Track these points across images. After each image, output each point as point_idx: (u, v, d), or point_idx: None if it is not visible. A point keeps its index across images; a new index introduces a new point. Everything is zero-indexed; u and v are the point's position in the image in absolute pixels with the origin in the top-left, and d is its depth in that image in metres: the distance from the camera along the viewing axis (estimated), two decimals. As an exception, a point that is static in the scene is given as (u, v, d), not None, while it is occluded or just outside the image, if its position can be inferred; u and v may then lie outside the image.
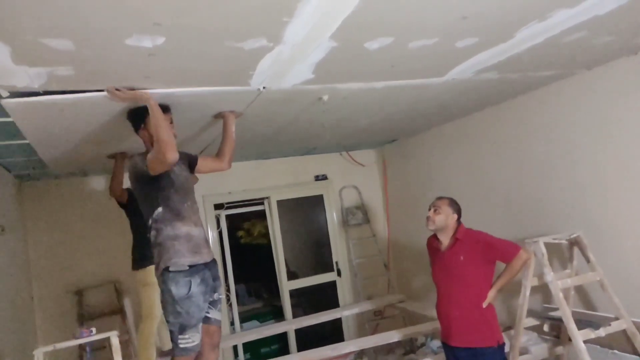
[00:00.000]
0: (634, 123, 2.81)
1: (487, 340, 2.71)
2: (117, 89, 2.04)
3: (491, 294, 2.75)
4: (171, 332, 2.41)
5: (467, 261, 2.75)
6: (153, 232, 2.40)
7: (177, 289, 2.33)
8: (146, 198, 2.44)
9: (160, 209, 2.38)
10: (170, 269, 2.34)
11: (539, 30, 2.11)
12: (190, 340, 2.38)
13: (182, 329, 2.36)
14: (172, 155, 2.18)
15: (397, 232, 5.59)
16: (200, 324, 2.45)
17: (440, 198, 2.93)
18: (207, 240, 2.56)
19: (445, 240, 2.88)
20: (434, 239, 2.97)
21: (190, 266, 2.38)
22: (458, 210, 2.88)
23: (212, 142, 3.42)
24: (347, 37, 1.85)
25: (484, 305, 2.73)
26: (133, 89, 2.08)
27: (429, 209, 2.90)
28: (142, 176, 2.35)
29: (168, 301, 2.36)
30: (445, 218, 2.84)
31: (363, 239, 5.57)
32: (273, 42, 1.79)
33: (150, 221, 2.41)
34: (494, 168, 3.95)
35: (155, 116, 2.14)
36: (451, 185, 4.49)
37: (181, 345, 2.37)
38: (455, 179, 4.44)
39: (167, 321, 2.40)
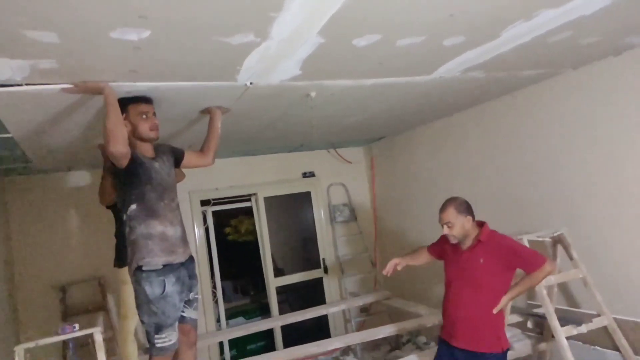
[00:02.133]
0: (618, 122, 2.84)
1: (492, 346, 2.61)
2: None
3: (504, 300, 2.62)
4: (147, 332, 2.36)
5: (487, 265, 2.60)
6: (127, 229, 2.34)
7: (152, 289, 2.27)
8: (121, 193, 2.38)
9: (134, 206, 2.31)
10: (144, 268, 2.28)
11: (524, 30, 2.12)
12: (167, 339, 2.34)
13: (159, 329, 2.32)
14: (115, 147, 2.09)
15: (384, 229, 5.61)
16: (177, 323, 2.41)
17: (442, 210, 2.71)
18: (183, 239, 2.48)
19: (467, 241, 2.72)
20: None
21: (165, 265, 2.32)
22: (467, 210, 2.70)
23: (198, 137, 3.39)
24: (334, 33, 1.85)
25: (495, 311, 2.61)
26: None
27: (442, 226, 2.71)
28: (116, 170, 2.29)
29: (142, 301, 2.30)
30: (461, 227, 2.66)
31: (350, 236, 5.59)
32: (260, 37, 1.79)
33: (125, 217, 2.34)
34: (479, 166, 3.98)
35: (107, 105, 2.05)
36: (437, 183, 4.52)
37: (158, 345, 2.33)
38: (441, 177, 4.47)
39: (142, 321, 2.35)
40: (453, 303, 2.75)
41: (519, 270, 2.68)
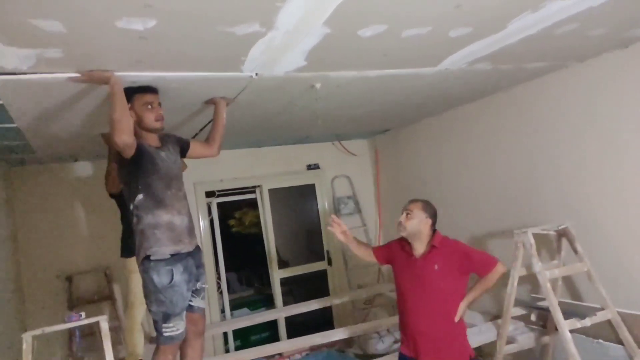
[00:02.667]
0: (623, 116, 2.82)
1: (460, 356, 2.57)
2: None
3: (462, 306, 2.57)
4: (155, 321, 2.38)
5: (442, 271, 2.54)
6: (134, 219, 2.35)
7: (159, 278, 2.29)
8: (128, 183, 2.38)
9: (140, 196, 2.32)
10: (151, 257, 2.29)
11: (532, 21, 2.11)
12: (175, 328, 2.36)
13: (166, 318, 2.34)
14: (120, 138, 2.09)
15: (388, 222, 5.61)
16: (185, 312, 2.42)
17: (413, 201, 2.71)
18: (190, 229, 2.48)
19: (419, 247, 2.64)
20: (406, 242, 2.72)
21: (172, 255, 2.33)
22: (433, 215, 2.66)
23: (203, 128, 3.40)
24: (340, 23, 1.84)
25: (456, 319, 2.55)
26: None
27: (402, 213, 2.69)
28: (122, 160, 2.30)
29: (150, 290, 2.32)
30: (418, 223, 2.60)
31: (354, 229, 5.58)
32: (265, 27, 1.78)
33: (131, 207, 2.35)
34: (484, 159, 3.97)
35: (113, 95, 2.04)
36: (442, 176, 4.52)
37: (166, 334, 2.35)
38: (446, 170, 4.46)
39: (150, 310, 2.37)
40: (412, 316, 2.63)
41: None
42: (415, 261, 2.64)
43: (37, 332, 2.27)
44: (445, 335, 2.56)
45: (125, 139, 2.11)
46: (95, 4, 1.44)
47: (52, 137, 3.12)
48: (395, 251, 2.80)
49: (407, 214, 2.64)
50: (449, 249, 2.59)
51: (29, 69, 1.87)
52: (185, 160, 2.83)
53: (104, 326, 2.35)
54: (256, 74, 2.36)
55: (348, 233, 2.95)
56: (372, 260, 3.01)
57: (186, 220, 2.46)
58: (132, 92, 2.26)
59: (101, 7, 1.46)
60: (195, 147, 2.70)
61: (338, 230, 2.91)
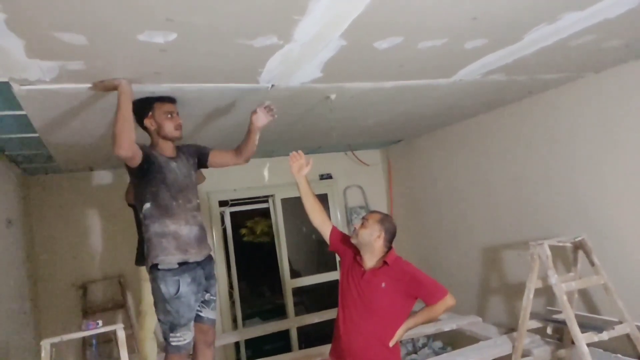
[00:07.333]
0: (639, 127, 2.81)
1: None
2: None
3: (400, 332, 2.41)
4: (163, 330, 2.40)
5: (388, 290, 2.39)
6: (143, 228, 2.38)
7: (166, 288, 2.30)
8: (137, 192, 2.41)
9: (148, 205, 2.33)
10: (159, 266, 2.30)
11: (548, 33, 2.11)
12: (182, 338, 2.36)
13: (173, 328, 2.35)
14: (119, 152, 2.05)
15: (400, 232, 5.56)
16: (192, 323, 2.42)
17: (373, 211, 2.61)
18: (199, 239, 2.45)
19: (369, 260, 2.49)
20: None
21: (180, 264, 2.33)
22: (388, 232, 2.51)
23: (217, 136, 3.42)
24: (356, 36, 1.86)
25: (391, 344, 2.38)
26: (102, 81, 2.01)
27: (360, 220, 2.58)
28: (131, 169, 2.32)
29: (159, 299, 2.34)
30: (369, 234, 2.47)
31: (366, 239, 5.57)
32: (283, 40, 1.81)
33: (141, 215, 2.38)
34: (499, 170, 3.95)
35: (118, 105, 2.01)
36: (455, 186, 4.50)
37: (173, 343, 2.36)
38: (460, 181, 4.44)
39: (158, 319, 2.38)
40: (346, 328, 2.47)
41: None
42: (364, 273, 2.48)
43: (56, 339, 2.29)
44: (375, 357, 2.41)
45: (123, 153, 2.08)
46: (119, 18, 1.47)
47: (72, 147, 3.17)
48: (349, 251, 2.62)
49: (363, 222, 2.53)
50: (400, 269, 2.45)
51: (51, 80, 1.92)
52: (202, 170, 2.84)
53: (121, 334, 2.37)
54: (272, 85, 2.39)
55: (305, 170, 2.74)
56: (322, 230, 2.73)
57: (195, 230, 2.43)
58: (153, 102, 2.30)
59: (124, 21, 1.50)
60: (220, 156, 2.67)
61: (296, 164, 2.71)
